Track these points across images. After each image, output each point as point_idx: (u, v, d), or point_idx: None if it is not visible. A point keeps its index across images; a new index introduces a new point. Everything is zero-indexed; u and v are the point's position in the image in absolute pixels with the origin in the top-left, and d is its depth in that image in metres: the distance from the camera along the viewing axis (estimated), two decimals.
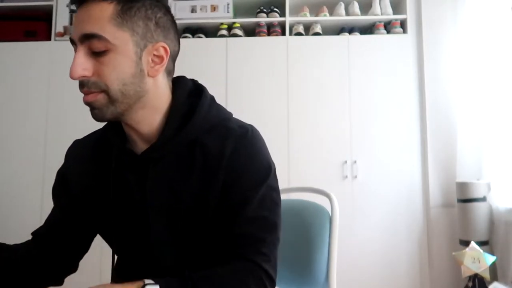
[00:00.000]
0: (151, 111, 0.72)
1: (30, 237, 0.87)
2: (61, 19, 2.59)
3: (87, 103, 0.71)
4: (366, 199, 2.41)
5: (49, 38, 2.61)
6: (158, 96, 0.73)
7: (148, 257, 0.76)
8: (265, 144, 0.80)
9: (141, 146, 0.75)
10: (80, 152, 0.88)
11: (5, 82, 2.57)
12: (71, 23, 2.59)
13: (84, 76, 0.66)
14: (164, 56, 0.71)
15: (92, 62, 0.66)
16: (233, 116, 0.84)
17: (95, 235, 0.89)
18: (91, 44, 0.65)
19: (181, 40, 2.83)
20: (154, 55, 0.70)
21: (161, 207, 0.73)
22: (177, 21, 2.67)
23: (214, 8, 2.61)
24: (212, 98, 0.83)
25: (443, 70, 2.54)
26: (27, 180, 2.48)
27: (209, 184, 0.72)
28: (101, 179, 0.78)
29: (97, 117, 0.72)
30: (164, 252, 0.75)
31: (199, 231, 0.74)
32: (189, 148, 0.73)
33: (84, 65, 0.65)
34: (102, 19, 0.64)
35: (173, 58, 0.77)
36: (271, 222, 0.73)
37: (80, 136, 0.95)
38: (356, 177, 2.42)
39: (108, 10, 0.65)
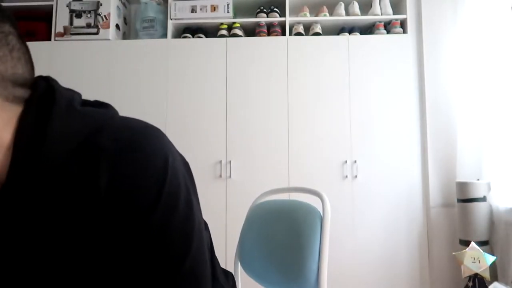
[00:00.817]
0: None
1: None
2: (61, 19, 2.59)
3: None
4: (366, 199, 2.41)
5: (49, 38, 2.61)
6: (6, 127, 0.49)
7: None
8: (155, 144, 0.54)
9: None
10: None
11: None
12: (71, 23, 2.59)
13: None
14: None
15: None
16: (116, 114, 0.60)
17: None
18: None
19: (181, 40, 2.81)
20: None
21: (13, 256, 0.51)
22: (177, 21, 2.66)
23: (214, 8, 2.61)
24: (69, 103, 0.56)
25: (443, 70, 2.54)
26: None
27: (85, 225, 0.50)
28: None
29: None
30: None
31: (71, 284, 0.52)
32: (50, 182, 0.50)
33: None
34: None
35: (12, 81, 0.52)
36: (181, 247, 0.54)
37: None
38: (356, 177, 2.42)
39: None
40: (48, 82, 0.58)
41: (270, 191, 1.26)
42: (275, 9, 2.64)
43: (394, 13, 2.62)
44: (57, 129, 0.51)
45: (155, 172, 0.52)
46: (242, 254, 1.18)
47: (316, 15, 2.65)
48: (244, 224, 1.21)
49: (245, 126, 2.47)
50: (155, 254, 0.52)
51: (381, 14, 2.59)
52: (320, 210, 1.04)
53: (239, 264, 1.22)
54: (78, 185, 0.50)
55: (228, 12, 2.61)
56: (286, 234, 1.05)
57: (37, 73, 0.62)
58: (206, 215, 2.39)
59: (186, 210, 0.55)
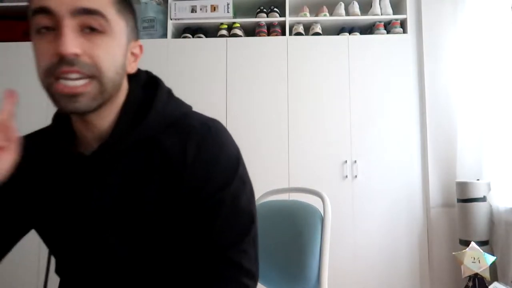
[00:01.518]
0: (114, 107, 0.65)
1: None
2: None
3: (73, 93, 0.58)
4: (366, 199, 2.41)
5: None
6: (122, 92, 0.67)
7: (92, 264, 0.68)
8: (229, 136, 0.71)
9: (94, 146, 0.65)
10: (27, 150, 0.66)
11: (5, 82, 2.57)
12: None
13: (76, 54, 0.56)
14: (139, 54, 0.70)
15: (81, 41, 0.57)
16: (193, 109, 0.75)
17: (21, 237, 0.82)
18: (86, 20, 0.56)
19: (181, 40, 2.81)
20: (132, 52, 0.68)
21: (110, 214, 0.64)
22: (177, 21, 2.66)
23: (214, 8, 2.61)
24: (169, 91, 0.74)
25: (443, 70, 2.54)
26: None
27: (171, 189, 0.64)
28: (46, 180, 0.68)
29: (82, 109, 0.59)
30: (113, 261, 0.66)
31: (157, 239, 0.66)
32: (146, 149, 0.64)
33: (75, 42, 0.55)
34: None
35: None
36: (247, 218, 0.67)
37: None
38: (356, 177, 2.42)
39: None
40: (147, 73, 0.75)
41: (270, 191, 1.27)
42: (275, 9, 2.64)
43: (394, 13, 2.62)
44: (160, 107, 0.66)
45: (232, 155, 0.68)
46: None
47: (316, 15, 2.65)
48: None
49: (245, 125, 2.46)
50: (228, 220, 0.64)
51: (381, 14, 2.59)
52: (321, 210, 1.04)
53: None
54: (170, 153, 0.63)
55: (228, 12, 2.61)
56: (287, 234, 1.05)
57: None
58: None
59: (250, 190, 0.71)
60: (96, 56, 0.58)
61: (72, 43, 0.55)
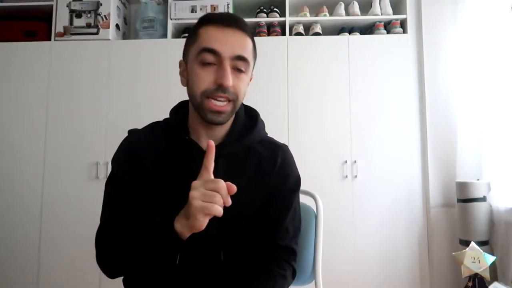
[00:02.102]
0: (230, 121, 0.93)
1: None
2: (61, 19, 2.59)
3: (219, 111, 0.84)
4: (366, 199, 2.41)
5: (49, 38, 2.61)
6: None
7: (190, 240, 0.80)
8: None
9: (205, 142, 0.84)
10: (151, 139, 0.92)
11: (5, 82, 2.57)
12: (71, 23, 2.59)
13: (230, 86, 0.82)
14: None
15: (233, 77, 0.83)
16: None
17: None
18: (237, 63, 0.84)
19: (181, 40, 2.81)
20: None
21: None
22: (177, 21, 2.67)
23: (214, 8, 2.61)
24: (259, 115, 1.05)
25: (443, 70, 2.54)
26: (27, 179, 2.48)
27: (260, 184, 0.92)
28: (169, 165, 0.89)
29: (221, 122, 0.87)
30: (208, 238, 0.84)
31: (242, 223, 0.89)
32: (246, 153, 0.93)
33: (231, 77, 0.83)
34: (249, 48, 0.86)
35: None
36: (300, 220, 0.98)
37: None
38: (356, 177, 2.42)
39: (251, 44, 0.88)
40: None
41: None
42: (275, 9, 2.64)
43: (394, 13, 2.62)
44: (259, 127, 0.97)
45: (297, 169, 1.02)
46: None
47: (316, 15, 2.65)
48: None
49: None
50: (293, 217, 0.95)
51: (381, 14, 2.59)
52: (314, 209, 1.17)
53: None
54: (263, 158, 0.94)
55: (228, 12, 2.61)
56: None
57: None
58: None
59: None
60: (238, 87, 0.85)
61: (230, 78, 0.82)
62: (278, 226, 0.91)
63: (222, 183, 0.70)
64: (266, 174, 0.92)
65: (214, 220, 0.73)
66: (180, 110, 0.97)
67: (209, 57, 0.82)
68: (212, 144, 0.74)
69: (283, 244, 0.91)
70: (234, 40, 0.83)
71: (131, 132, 0.96)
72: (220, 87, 0.81)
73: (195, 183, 0.71)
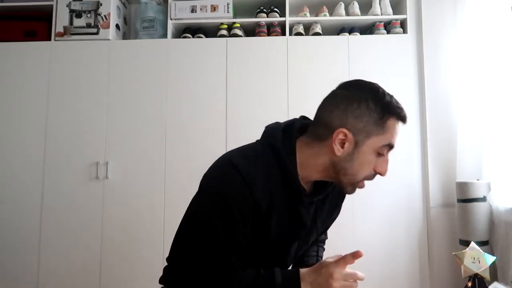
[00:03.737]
0: None
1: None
2: (61, 19, 2.59)
3: (360, 188, 0.92)
4: (366, 199, 2.41)
5: (49, 38, 2.61)
6: None
7: (270, 264, 0.90)
8: None
9: (307, 188, 0.92)
10: (268, 183, 0.86)
11: (5, 82, 2.57)
12: (71, 23, 2.59)
13: None
14: None
15: None
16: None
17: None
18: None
19: (181, 40, 2.81)
20: None
21: (310, 227, 0.98)
22: (177, 21, 2.67)
23: (214, 8, 2.61)
24: None
25: (443, 70, 2.54)
26: (27, 180, 2.48)
27: (332, 214, 1.08)
28: (280, 207, 0.88)
29: (350, 193, 0.94)
30: (288, 261, 1.01)
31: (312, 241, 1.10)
32: (328, 194, 1.00)
33: None
34: None
35: None
36: None
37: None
38: None
39: None
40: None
41: None
42: (275, 9, 2.64)
43: (394, 13, 2.62)
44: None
45: None
46: None
47: (316, 15, 2.65)
48: None
49: (245, 125, 2.46)
50: None
51: (381, 14, 2.59)
52: None
53: None
54: (335, 192, 1.04)
55: (228, 12, 2.61)
56: None
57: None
58: None
59: None
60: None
61: None
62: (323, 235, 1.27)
63: (359, 275, 0.83)
64: (337, 205, 1.09)
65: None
66: (289, 147, 0.89)
67: (384, 152, 0.87)
68: (361, 254, 0.84)
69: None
70: (397, 133, 0.90)
71: (247, 173, 0.83)
72: (377, 174, 0.90)
73: (336, 275, 0.80)
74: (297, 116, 1.02)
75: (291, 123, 0.94)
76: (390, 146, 0.87)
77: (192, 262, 0.85)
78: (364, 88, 0.87)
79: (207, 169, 0.93)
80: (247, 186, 0.81)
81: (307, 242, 1.03)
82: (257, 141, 0.97)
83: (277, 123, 0.97)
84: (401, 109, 0.88)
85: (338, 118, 0.84)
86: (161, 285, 0.99)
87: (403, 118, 0.88)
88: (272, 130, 0.94)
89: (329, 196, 1.00)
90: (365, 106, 0.83)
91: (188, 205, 0.96)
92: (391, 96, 0.87)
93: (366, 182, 0.91)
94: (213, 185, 0.85)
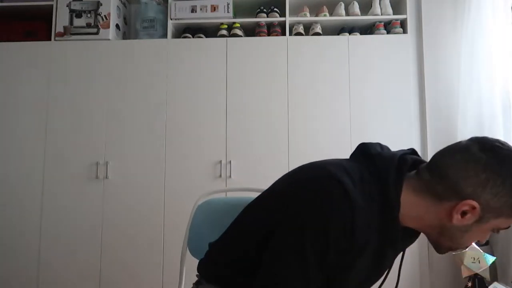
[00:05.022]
0: None
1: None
2: (61, 19, 2.59)
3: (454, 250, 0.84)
4: None
5: (49, 38, 2.61)
6: None
7: None
8: None
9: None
10: (368, 216, 0.73)
11: (5, 82, 2.57)
12: (71, 23, 2.59)
13: None
14: None
15: None
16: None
17: None
18: None
19: (181, 40, 2.81)
20: None
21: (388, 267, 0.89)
22: (177, 21, 2.67)
23: (214, 8, 2.61)
24: None
25: (443, 70, 2.54)
26: (27, 180, 2.48)
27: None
28: (371, 246, 0.76)
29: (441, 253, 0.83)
30: None
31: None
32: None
33: None
34: None
35: None
36: None
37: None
38: None
39: None
40: None
41: (207, 192, 1.39)
42: (275, 9, 2.64)
43: (394, 13, 2.62)
44: None
45: None
46: (197, 247, 1.25)
47: (316, 15, 2.65)
48: (193, 221, 1.29)
49: (245, 126, 2.46)
50: None
51: (381, 14, 2.59)
52: None
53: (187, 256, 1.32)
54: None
55: (228, 12, 2.61)
56: None
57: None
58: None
59: None
60: None
61: None
62: None
63: None
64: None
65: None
66: (397, 189, 0.75)
67: (498, 231, 0.75)
68: None
69: None
70: None
71: (354, 198, 0.71)
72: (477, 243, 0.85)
73: None
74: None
75: (404, 159, 0.78)
76: (499, 229, 0.74)
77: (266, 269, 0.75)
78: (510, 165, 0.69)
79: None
80: (351, 211, 0.70)
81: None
82: (360, 162, 0.81)
83: (391, 151, 0.83)
84: None
85: (473, 188, 0.69)
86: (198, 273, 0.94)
87: None
88: (386, 161, 0.77)
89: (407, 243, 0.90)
90: (509, 185, 0.68)
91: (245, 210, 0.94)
92: None
93: None
94: (311, 198, 0.72)
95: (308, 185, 0.74)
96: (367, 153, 0.81)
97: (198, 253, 1.25)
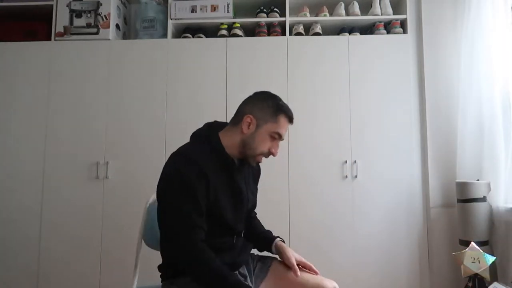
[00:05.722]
0: None
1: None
2: (61, 19, 2.59)
3: (258, 163, 1.32)
4: (366, 199, 2.41)
5: (49, 38, 2.61)
6: None
7: (230, 225, 1.25)
8: None
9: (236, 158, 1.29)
10: (208, 161, 1.19)
11: (5, 82, 2.57)
12: (71, 23, 2.59)
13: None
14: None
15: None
16: None
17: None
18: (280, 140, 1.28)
19: (181, 40, 2.81)
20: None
21: (246, 190, 1.32)
22: (177, 21, 2.67)
23: (214, 8, 2.61)
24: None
25: (443, 70, 2.54)
26: (27, 179, 2.48)
27: (255, 183, 1.45)
28: (222, 177, 1.22)
29: (253, 165, 1.32)
30: (241, 218, 1.31)
31: (252, 201, 1.40)
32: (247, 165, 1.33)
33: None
34: None
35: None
36: None
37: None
38: (356, 177, 2.42)
39: None
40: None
41: None
42: (275, 9, 2.64)
43: (394, 13, 2.62)
44: None
45: None
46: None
47: (316, 15, 2.65)
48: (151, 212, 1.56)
49: None
50: None
51: (381, 14, 2.59)
52: None
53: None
54: (253, 168, 1.41)
55: (228, 12, 2.61)
56: None
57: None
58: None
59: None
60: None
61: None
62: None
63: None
64: (256, 177, 1.47)
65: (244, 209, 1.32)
66: (213, 133, 1.27)
67: (276, 136, 1.23)
68: (298, 275, 1.27)
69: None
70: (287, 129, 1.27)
71: (193, 155, 1.18)
72: (270, 154, 1.26)
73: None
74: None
75: (211, 123, 1.33)
76: (279, 135, 1.23)
77: (169, 229, 1.17)
78: (267, 94, 1.29)
79: None
80: (195, 162, 1.15)
81: (247, 206, 1.33)
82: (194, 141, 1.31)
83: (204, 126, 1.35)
84: (289, 111, 1.27)
85: (248, 108, 1.24)
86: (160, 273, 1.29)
87: (290, 118, 1.26)
88: (198, 131, 1.33)
89: (250, 169, 1.36)
90: (266, 103, 1.24)
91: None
92: (285, 103, 1.27)
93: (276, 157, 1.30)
94: (170, 171, 1.17)
95: (165, 168, 1.21)
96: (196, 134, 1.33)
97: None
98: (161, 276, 1.28)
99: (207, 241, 1.13)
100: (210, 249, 1.12)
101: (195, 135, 1.31)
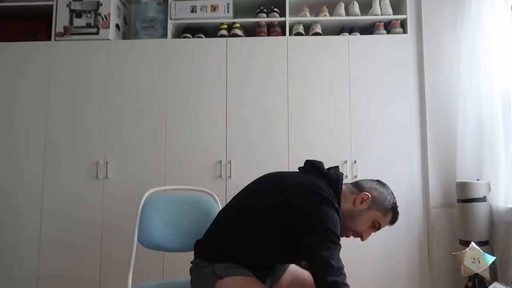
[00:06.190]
0: None
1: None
2: (61, 19, 2.59)
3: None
4: None
5: (49, 38, 2.61)
6: None
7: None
8: None
9: None
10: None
11: (5, 82, 2.57)
12: (71, 23, 2.59)
13: None
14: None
15: None
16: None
17: None
18: None
19: (181, 40, 2.81)
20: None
21: None
22: (177, 21, 2.68)
23: (214, 8, 2.61)
24: None
25: (443, 70, 2.54)
26: (27, 180, 2.48)
27: None
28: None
29: None
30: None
31: None
32: None
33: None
34: None
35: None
36: None
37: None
38: (356, 177, 2.42)
39: None
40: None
41: (159, 189, 1.64)
42: (275, 9, 2.64)
43: (394, 13, 2.62)
44: None
45: None
46: (152, 236, 1.60)
47: (316, 15, 2.65)
48: (144, 212, 1.63)
49: (245, 126, 2.46)
50: None
51: (381, 14, 2.59)
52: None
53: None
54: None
55: (228, 12, 2.61)
56: (194, 214, 1.60)
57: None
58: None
59: None
60: None
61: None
62: None
63: None
64: None
65: None
66: (336, 189, 1.25)
67: (376, 225, 1.26)
68: None
69: None
70: None
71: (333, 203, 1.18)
72: (358, 236, 1.27)
73: None
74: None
75: (338, 174, 1.30)
76: (379, 227, 1.26)
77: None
78: (390, 190, 1.31)
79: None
80: (334, 208, 1.18)
81: None
82: (318, 177, 1.25)
83: (335, 171, 1.30)
84: (397, 216, 1.30)
85: (369, 188, 1.27)
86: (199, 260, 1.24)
87: (392, 221, 1.29)
88: (334, 179, 1.27)
89: None
90: (386, 196, 1.27)
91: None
92: (397, 206, 1.30)
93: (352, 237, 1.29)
94: (320, 203, 1.16)
95: (312, 193, 1.18)
96: (319, 170, 1.27)
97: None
98: (197, 253, 1.27)
99: (265, 252, 1.18)
100: (255, 260, 1.19)
101: (328, 176, 1.27)
